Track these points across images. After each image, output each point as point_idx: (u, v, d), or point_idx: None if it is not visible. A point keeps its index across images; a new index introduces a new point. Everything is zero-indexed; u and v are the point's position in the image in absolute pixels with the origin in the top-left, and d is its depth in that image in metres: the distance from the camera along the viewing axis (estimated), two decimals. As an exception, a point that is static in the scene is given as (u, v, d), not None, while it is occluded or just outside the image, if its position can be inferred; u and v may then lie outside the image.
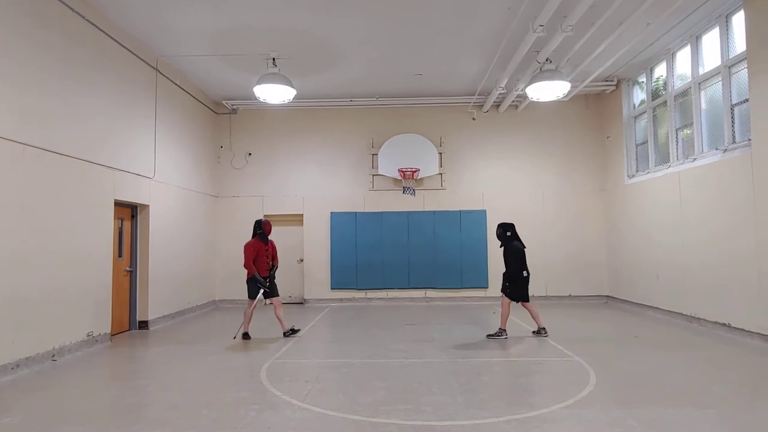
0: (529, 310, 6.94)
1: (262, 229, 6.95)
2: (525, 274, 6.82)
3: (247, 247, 6.85)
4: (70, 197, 6.13)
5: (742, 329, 6.50)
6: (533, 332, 7.02)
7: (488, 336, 6.87)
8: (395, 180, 10.82)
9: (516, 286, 6.82)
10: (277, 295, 7.06)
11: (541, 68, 7.78)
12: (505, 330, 6.83)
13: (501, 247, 7.06)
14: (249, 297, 6.94)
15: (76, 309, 6.17)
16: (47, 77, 5.77)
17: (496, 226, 7.16)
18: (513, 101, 10.42)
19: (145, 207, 8.04)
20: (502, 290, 6.94)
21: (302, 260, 10.99)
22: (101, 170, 6.77)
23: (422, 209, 10.89)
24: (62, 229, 5.96)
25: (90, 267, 6.46)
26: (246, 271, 6.93)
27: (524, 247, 6.97)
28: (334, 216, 10.91)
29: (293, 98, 8.38)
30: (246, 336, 6.96)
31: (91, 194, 6.53)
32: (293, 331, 7.13)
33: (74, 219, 6.19)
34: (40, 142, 5.62)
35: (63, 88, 6.04)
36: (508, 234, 6.96)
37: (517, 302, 6.87)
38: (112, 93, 7.05)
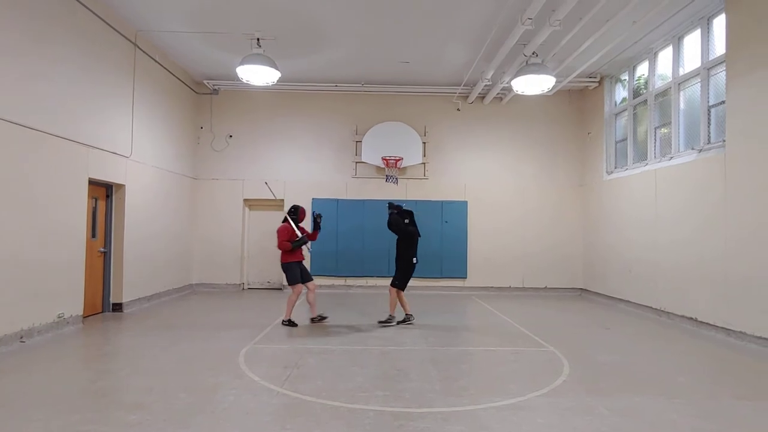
0: (400, 300, 7.00)
1: (296, 215, 6.95)
2: (414, 261, 6.90)
3: (280, 231, 6.80)
4: (41, 173, 5.89)
5: (708, 323, 6.77)
6: (380, 322, 7.01)
7: (379, 322, 6.95)
8: (378, 168, 10.77)
9: (402, 272, 6.89)
10: (311, 279, 7.03)
11: (527, 61, 7.81)
12: (393, 316, 6.97)
13: (396, 233, 7.01)
14: (289, 283, 6.85)
15: (47, 289, 5.98)
16: (16, 50, 5.49)
17: (390, 207, 7.14)
18: (498, 93, 10.46)
19: (121, 187, 7.81)
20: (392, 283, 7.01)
21: (282, 246, 10.89)
22: (74, 147, 6.53)
23: (405, 198, 10.89)
24: (32, 206, 5.74)
25: (62, 246, 6.25)
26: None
27: (419, 236, 7.03)
28: (316, 202, 10.82)
29: (277, 81, 8.21)
30: (292, 323, 6.80)
31: (63, 171, 6.30)
32: (321, 318, 7.11)
33: (45, 196, 5.96)
34: (8, 115, 5.36)
35: (33, 61, 5.77)
36: (406, 221, 6.96)
37: (401, 288, 6.93)
38: (87, 68, 6.77)
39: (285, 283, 7.43)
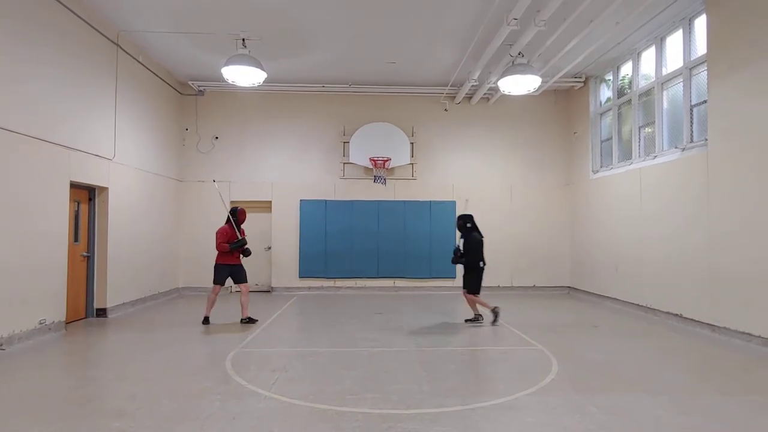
0: (472, 300, 7.10)
1: (236, 217, 7.04)
2: (482, 264, 6.97)
3: (219, 233, 6.94)
4: (21, 177, 5.75)
5: (693, 319, 6.86)
6: (466, 320, 7.22)
7: (466, 320, 7.14)
8: (366, 169, 10.74)
9: (472, 277, 6.99)
10: (246, 282, 7.10)
11: (513, 62, 7.86)
12: (480, 315, 7.11)
13: (461, 238, 7.19)
14: (214, 282, 6.96)
15: (27, 295, 5.83)
16: (-5, 47, 5.36)
17: (457, 218, 7.35)
18: (485, 94, 10.51)
19: (104, 189, 7.67)
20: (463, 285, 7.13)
21: (270, 248, 10.80)
22: (55, 149, 6.39)
23: (393, 199, 10.88)
24: (11, 209, 5.60)
25: (43, 251, 6.11)
26: (214, 258, 7.01)
27: (482, 238, 7.11)
28: (304, 203, 10.76)
29: (263, 81, 8.15)
30: (206, 321, 6.97)
31: (44, 174, 6.16)
32: (251, 320, 7.08)
33: (25, 199, 5.82)
34: (-13, 116, 5.23)
35: (11, 61, 5.63)
36: (468, 225, 7.12)
37: (471, 293, 7.02)
38: (68, 69, 6.63)
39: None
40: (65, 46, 6.57)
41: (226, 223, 7.05)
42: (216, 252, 7.00)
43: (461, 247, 7.14)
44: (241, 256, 7.12)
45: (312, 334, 6.52)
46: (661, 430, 3.36)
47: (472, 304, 7.14)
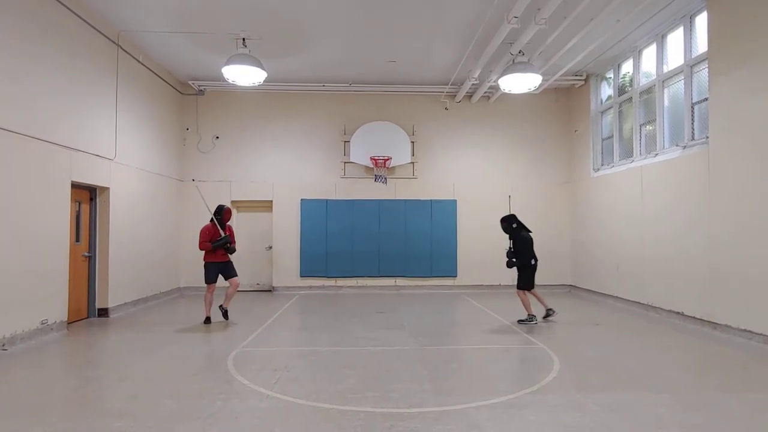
0: (535, 296, 7.15)
1: (220, 215, 7.05)
2: (533, 262, 7.01)
3: (202, 232, 6.99)
4: (22, 177, 5.76)
5: (694, 317, 6.86)
6: (519, 321, 7.14)
7: (519, 321, 7.07)
8: (367, 168, 10.74)
9: (524, 274, 7.02)
10: (235, 276, 7.15)
11: (513, 60, 7.85)
12: (533, 315, 7.04)
13: (510, 240, 7.18)
14: (206, 282, 7.01)
15: (29, 296, 5.84)
16: (-5, 48, 5.37)
17: (500, 221, 7.27)
18: (485, 92, 10.49)
19: (105, 189, 7.68)
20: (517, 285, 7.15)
21: (271, 247, 10.81)
22: (56, 150, 6.39)
23: (394, 198, 10.88)
24: (13, 211, 5.61)
25: (44, 251, 6.12)
26: (202, 257, 7.06)
27: (531, 233, 7.14)
28: (305, 203, 10.76)
29: (263, 81, 8.15)
30: (207, 321, 7.00)
31: (45, 175, 6.16)
32: (225, 314, 7.03)
33: (26, 200, 5.83)
34: (-12, 117, 5.24)
35: (12, 61, 5.64)
36: (514, 226, 7.12)
37: (527, 290, 7.05)
38: (68, 69, 6.64)
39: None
40: (66, 46, 6.57)
41: (210, 221, 7.08)
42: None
43: (512, 248, 7.11)
44: (227, 253, 7.11)
45: (313, 334, 6.52)
46: (663, 428, 3.36)
47: (526, 305, 7.06)
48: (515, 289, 7.25)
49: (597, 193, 9.86)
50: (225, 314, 7.06)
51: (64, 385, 4.41)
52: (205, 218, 10.54)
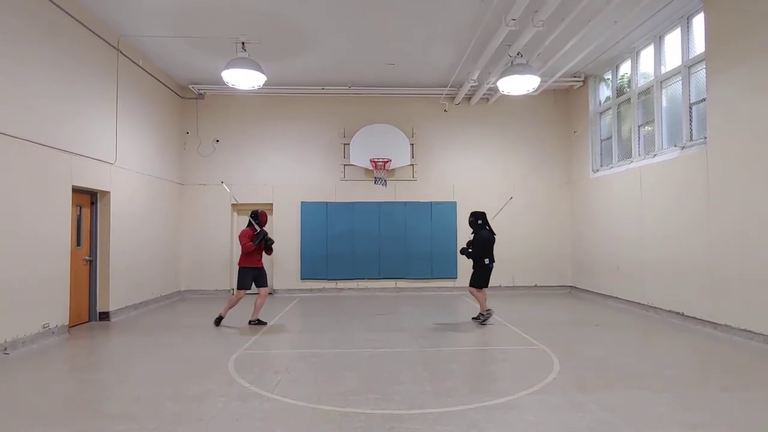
0: (476, 297, 7.19)
1: (258, 219, 7.12)
2: (486, 261, 7.03)
3: (242, 235, 7.03)
4: (23, 182, 5.79)
5: (694, 317, 6.86)
6: (473, 318, 7.33)
7: (473, 318, 7.21)
8: (367, 170, 10.77)
9: (476, 271, 7.11)
10: (266, 286, 7.18)
11: (512, 62, 7.87)
12: (490, 309, 7.12)
13: (472, 233, 7.28)
14: (239, 288, 7.00)
15: (31, 300, 5.86)
16: (-4, 53, 5.40)
17: (469, 214, 7.44)
18: (484, 94, 10.53)
19: (106, 194, 7.70)
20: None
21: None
22: (57, 154, 6.42)
23: (393, 200, 10.90)
24: (14, 215, 5.63)
25: (45, 256, 6.14)
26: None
27: (494, 235, 7.17)
28: (305, 205, 10.78)
29: (263, 84, 8.17)
30: (218, 321, 7.08)
31: (46, 179, 6.19)
32: (260, 323, 7.11)
33: (27, 205, 5.86)
34: (-11, 122, 5.27)
35: (13, 67, 5.67)
36: (478, 222, 7.24)
37: (477, 288, 7.09)
38: (68, 73, 6.67)
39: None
40: (66, 51, 6.60)
41: (248, 226, 7.14)
42: (238, 256, 7.09)
43: (470, 242, 7.24)
44: (264, 252, 7.14)
45: (314, 336, 6.54)
46: (663, 428, 3.37)
47: (480, 301, 7.16)
48: (467, 287, 7.36)
49: (596, 194, 9.87)
50: (259, 323, 7.09)
51: (66, 388, 4.42)
52: (205, 221, 10.68)
